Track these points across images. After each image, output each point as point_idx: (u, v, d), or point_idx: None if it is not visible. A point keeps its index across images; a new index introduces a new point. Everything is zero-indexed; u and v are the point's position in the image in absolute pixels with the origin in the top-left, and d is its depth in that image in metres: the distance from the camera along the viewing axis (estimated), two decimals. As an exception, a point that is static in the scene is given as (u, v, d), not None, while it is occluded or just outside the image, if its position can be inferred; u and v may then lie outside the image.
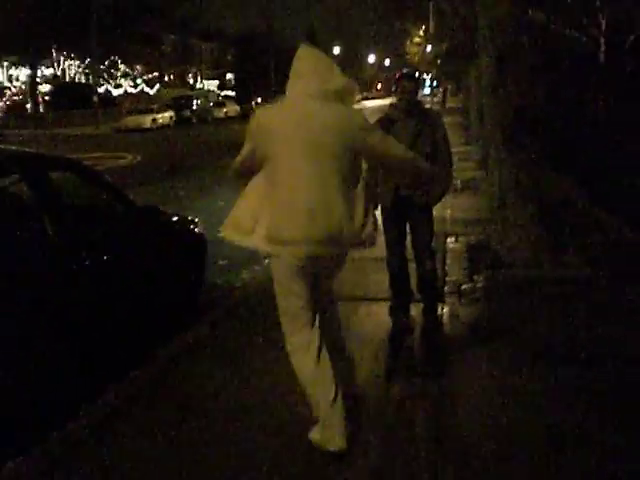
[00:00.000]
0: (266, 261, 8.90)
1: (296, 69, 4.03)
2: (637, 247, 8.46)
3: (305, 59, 4.04)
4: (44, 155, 5.99)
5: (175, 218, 7.17)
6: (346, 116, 3.95)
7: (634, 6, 18.63)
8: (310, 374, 3.97)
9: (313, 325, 4.03)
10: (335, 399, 3.93)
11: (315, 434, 4.07)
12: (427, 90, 68.98)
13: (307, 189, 3.78)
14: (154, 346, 5.82)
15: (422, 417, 4.50)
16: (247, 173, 4.11)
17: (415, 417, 4.50)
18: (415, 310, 6.40)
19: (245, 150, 4.06)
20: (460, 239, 9.51)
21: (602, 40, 20.75)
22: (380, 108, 27.94)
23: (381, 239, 6.29)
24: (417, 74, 7.12)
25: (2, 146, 6.40)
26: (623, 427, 4.27)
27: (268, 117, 3.98)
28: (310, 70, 3.97)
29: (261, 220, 3.88)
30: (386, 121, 6.03)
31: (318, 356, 3.97)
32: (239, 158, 4.11)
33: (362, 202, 3.98)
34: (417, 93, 6.15)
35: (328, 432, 3.96)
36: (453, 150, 6.28)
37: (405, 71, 6.23)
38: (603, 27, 20.55)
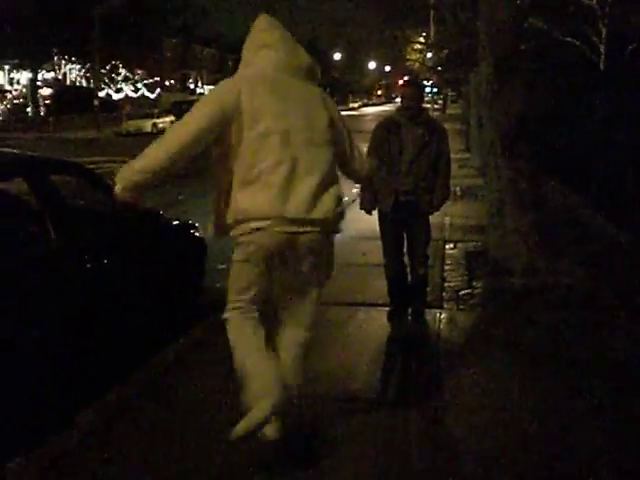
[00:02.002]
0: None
1: (262, 39, 3.80)
2: (635, 255, 8.49)
3: (271, 30, 3.84)
4: (46, 158, 6.03)
5: (175, 222, 7.20)
6: (327, 99, 3.89)
7: (634, 14, 18.69)
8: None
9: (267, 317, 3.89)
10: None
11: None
12: (427, 97, 69.05)
13: (300, 171, 3.58)
14: (154, 349, 5.84)
15: (416, 423, 4.53)
16: (188, 155, 3.64)
17: (409, 424, 4.52)
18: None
19: (202, 121, 3.56)
20: (459, 246, 9.56)
21: (602, 48, 20.81)
22: (381, 114, 27.93)
23: (379, 244, 6.35)
24: (420, 81, 7.18)
25: (4, 149, 6.44)
26: (625, 433, 4.31)
27: (248, 93, 3.59)
28: (279, 41, 3.80)
29: (239, 203, 3.60)
30: (392, 124, 6.08)
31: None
32: (171, 145, 3.58)
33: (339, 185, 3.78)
34: (422, 100, 6.20)
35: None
36: (453, 157, 6.35)
37: (408, 78, 6.29)
38: (603, 35, 20.61)
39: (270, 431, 3.70)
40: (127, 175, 3.66)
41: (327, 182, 3.68)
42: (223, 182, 3.77)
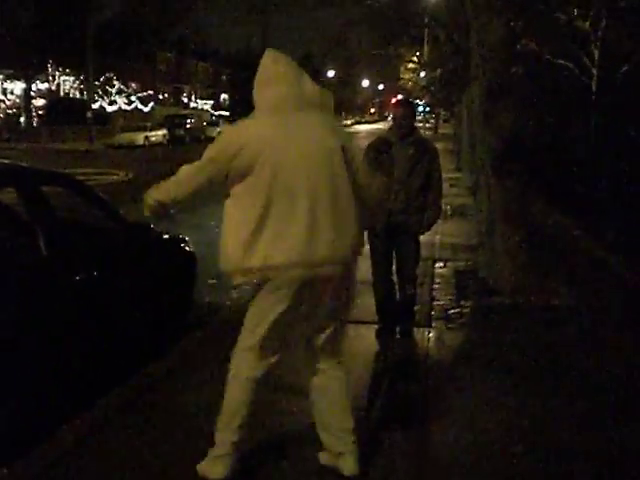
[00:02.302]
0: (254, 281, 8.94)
1: (268, 75, 3.78)
2: (623, 276, 8.53)
3: (275, 65, 3.79)
4: (37, 169, 6.02)
5: (166, 236, 7.20)
6: (339, 130, 3.86)
7: (627, 37, 18.82)
8: None
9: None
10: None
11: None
12: (420, 116, 69.29)
13: (312, 209, 3.55)
14: (141, 362, 5.83)
15: (401, 441, 4.53)
16: (198, 196, 3.83)
17: (394, 442, 4.51)
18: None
19: (209, 171, 3.72)
20: (448, 264, 9.58)
21: (594, 71, 20.92)
22: (373, 132, 27.99)
23: (368, 263, 6.36)
24: (412, 101, 7.22)
25: (-4, 159, 6.44)
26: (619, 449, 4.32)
27: (251, 135, 3.64)
28: (284, 76, 3.75)
29: (255, 246, 3.57)
30: (383, 143, 6.13)
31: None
32: (199, 180, 3.75)
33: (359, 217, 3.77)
34: (413, 119, 6.23)
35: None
36: (444, 176, 6.39)
37: (401, 97, 6.35)
38: (596, 57, 20.73)
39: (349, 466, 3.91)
40: (157, 197, 3.88)
41: (348, 215, 3.68)
42: (238, 219, 3.69)
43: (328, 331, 3.90)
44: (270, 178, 3.54)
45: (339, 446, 3.93)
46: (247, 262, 3.59)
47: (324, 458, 4.05)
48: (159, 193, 3.86)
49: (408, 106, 6.20)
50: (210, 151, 3.73)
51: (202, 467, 3.93)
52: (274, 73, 3.77)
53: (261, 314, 3.77)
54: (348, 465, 3.91)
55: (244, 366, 3.88)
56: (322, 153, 3.64)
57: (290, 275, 3.58)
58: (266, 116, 3.71)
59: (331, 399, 3.95)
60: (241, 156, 3.57)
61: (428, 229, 6.28)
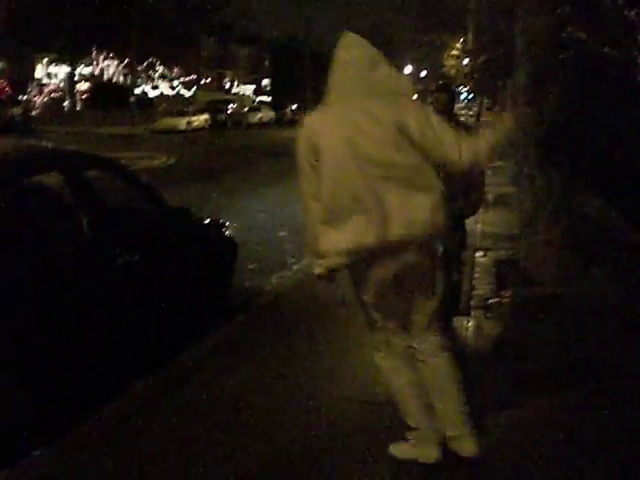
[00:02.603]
0: (294, 267, 8.98)
1: (341, 60, 3.73)
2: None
3: (349, 50, 3.74)
4: (81, 153, 6.09)
5: (206, 220, 7.24)
6: (404, 108, 3.67)
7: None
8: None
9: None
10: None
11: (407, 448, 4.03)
12: (462, 103, 68.74)
13: (367, 192, 3.53)
14: (181, 346, 5.88)
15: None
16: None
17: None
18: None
19: (304, 177, 3.73)
20: (489, 254, 9.51)
21: (641, 60, 20.60)
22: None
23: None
24: (452, 86, 7.17)
25: (41, 143, 6.52)
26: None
27: (314, 128, 3.69)
28: (356, 61, 3.70)
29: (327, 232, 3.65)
30: None
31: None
32: (306, 189, 3.74)
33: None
34: (452, 106, 6.19)
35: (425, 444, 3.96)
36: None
37: (440, 83, 6.29)
38: (642, 47, 20.40)
39: (433, 454, 3.94)
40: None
41: (418, 191, 3.59)
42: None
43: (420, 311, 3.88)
44: (328, 168, 3.59)
45: (454, 430, 3.92)
46: (322, 246, 3.68)
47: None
48: (310, 250, 3.88)
49: (446, 92, 6.15)
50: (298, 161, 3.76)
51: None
52: (348, 57, 3.73)
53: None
54: (467, 447, 3.93)
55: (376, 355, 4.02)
56: (375, 137, 3.57)
57: (359, 257, 3.61)
58: (329, 103, 3.73)
59: (435, 383, 3.91)
60: (309, 151, 3.63)
61: (473, 214, 6.21)
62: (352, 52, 3.74)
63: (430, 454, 3.94)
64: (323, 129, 3.65)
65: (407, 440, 4.03)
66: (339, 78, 3.73)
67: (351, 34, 3.83)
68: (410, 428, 3.99)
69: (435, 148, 3.62)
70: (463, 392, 3.94)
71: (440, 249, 3.90)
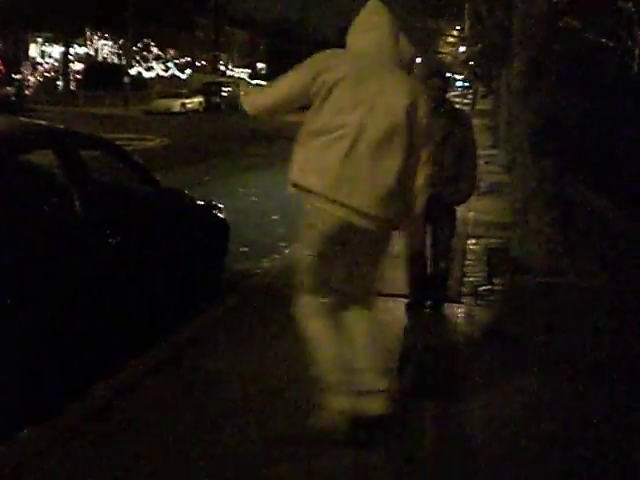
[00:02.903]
0: (285, 251, 8.99)
1: (368, 22, 3.81)
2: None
3: (378, 14, 3.82)
4: (75, 132, 6.07)
5: (199, 202, 7.24)
6: (418, 99, 3.75)
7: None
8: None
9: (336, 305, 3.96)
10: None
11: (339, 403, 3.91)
12: (458, 91, 68.65)
13: (357, 155, 3.60)
14: (172, 326, 5.89)
15: (428, 415, 4.55)
16: (272, 112, 3.94)
17: (422, 415, 4.54)
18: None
19: (290, 86, 3.79)
20: (481, 241, 9.54)
21: (637, 52, 20.60)
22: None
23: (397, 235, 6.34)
24: (447, 73, 7.18)
25: (35, 121, 6.50)
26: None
27: (334, 63, 3.70)
28: (384, 25, 3.79)
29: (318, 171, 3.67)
30: None
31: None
32: (275, 94, 3.84)
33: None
34: (446, 91, 6.20)
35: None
36: (480, 153, 6.33)
37: (435, 68, 6.29)
38: (639, 39, 20.40)
39: (375, 406, 3.87)
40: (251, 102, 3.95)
41: (394, 177, 3.69)
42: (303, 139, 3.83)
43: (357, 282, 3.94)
44: (328, 110, 3.64)
45: (362, 386, 3.87)
46: (294, 178, 3.75)
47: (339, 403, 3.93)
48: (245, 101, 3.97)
49: (439, 77, 6.15)
50: (294, 71, 3.82)
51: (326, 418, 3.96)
52: (376, 20, 3.80)
53: (305, 251, 3.92)
54: (374, 405, 3.86)
55: (306, 307, 3.98)
56: (387, 106, 3.64)
57: (327, 211, 3.65)
58: (351, 54, 3.80)
59: (352, 339, 3.95)
60: (318, 79, 3.66)
61: (464, 201, 6.24)
62: (381, 16, 3.81)
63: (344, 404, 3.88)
64: (341, 73, 3.65)
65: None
66: (365, 39, 3.78)
67: (379, 2, 3.91)
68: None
69: (414, 153, 3.82)
70: (379, 349, 4.00)
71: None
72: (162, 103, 46.64)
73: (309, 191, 3.69)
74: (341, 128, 3.61)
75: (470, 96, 60.12)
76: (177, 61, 67.25)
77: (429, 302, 6.50)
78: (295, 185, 3.75)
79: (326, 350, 3.90)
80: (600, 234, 9.47)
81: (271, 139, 25.39)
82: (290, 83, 3.78)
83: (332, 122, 3.63)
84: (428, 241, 6.34)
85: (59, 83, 54.01)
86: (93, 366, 4.93)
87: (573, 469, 3.93)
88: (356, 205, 3.62)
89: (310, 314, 3.94)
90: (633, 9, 19.22)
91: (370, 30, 3.78)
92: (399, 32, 3.87)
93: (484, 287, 7.41)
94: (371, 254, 3.90)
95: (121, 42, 55.77)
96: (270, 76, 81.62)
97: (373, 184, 3.63)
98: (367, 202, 3.63)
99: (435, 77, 6.09)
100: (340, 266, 3.93)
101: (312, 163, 3.67)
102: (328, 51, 3.86)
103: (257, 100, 3.95)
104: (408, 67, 3.92)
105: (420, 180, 3.89)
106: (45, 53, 55.17)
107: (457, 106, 6.74)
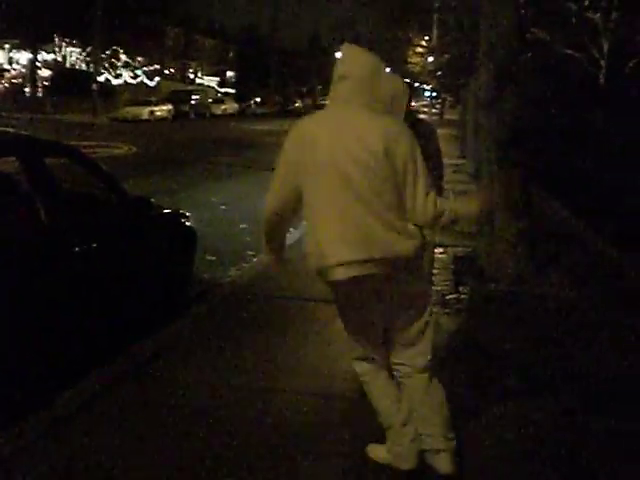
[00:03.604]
0: (253, 260, 8.97)
1: (340, 70, 3.60)
2: (622, 268, 8.54)
3: (348, 60, 3.63)
4: (41, 139, 6.01)
5: (166, 210, 7.20)
6: (395, 134, 3.50)
7: (636, 30, 18.75)
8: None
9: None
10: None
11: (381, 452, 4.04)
12: (426, 101, 69.03)
13: (342, 219, 3.40)
14: (138, 336, 5.84)
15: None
16: (284, 213, 3.73)
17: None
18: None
19: (278, 191, 3.66)
20: (447, 250, 9.58)
21: (603, 63, 20.86)
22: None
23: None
24: (414, 84, 7.20)
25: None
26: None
27: (303, 131, 3.59)
28: (355, 72, 3.56)
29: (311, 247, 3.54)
30: None
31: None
32: (271, 202, 3.70)
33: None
34: (410, 101, 6.21)
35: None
36: (448, 162, 6.35)
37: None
38: (605, 50, 20.65)
39: (407, 464, 3.90)
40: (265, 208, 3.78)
41: (384, 216, 3.46)
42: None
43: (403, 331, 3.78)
44: (304, 175, 3.52)
45: (433, 444, 3.85)
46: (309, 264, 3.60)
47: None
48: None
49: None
50: (276, 169, 3.69)
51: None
52: (346, 68, 3.60)
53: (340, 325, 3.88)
54: (444, 464, 3.85)
55: (362, 375, 3.96)
56: (359, 153, 3.43)
57: (334, 277, 3.48)
58: (328, 108, 3.69)
59: (417, 398, 3.87)
60: (296, 167, 3.56)
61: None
62: (353, 65, 3.62)
63: (403, 463, 3.91)
64: (318, 132, 3.52)
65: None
66: (340, 89, 3.61)
67: (351, 46, 3.74)
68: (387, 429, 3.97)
69: (407, 191, 3.55)
70: (446, 407, 3.90)
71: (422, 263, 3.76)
72: (130, 111, 46.48)
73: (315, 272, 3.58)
74: (316, 191, 3.48)
75: (438, 106, 60.47)
76: (146, 69, 66.93)
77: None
78: (319, 274, 3.59)
79: (387, 408, 3.92)
80: (566, 243, 9.56)
81: (240, 147, 25.34)
82: (276, 188, 3.67)
83: (313, 189, 3.50)
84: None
85: (26, 90, 53.54)
86: (53, 379, 4.88)
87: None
88: (347, 258, 3.40)
89: (366, 381, 3.94)
90: (599, 20, 19.48)
91: (341, 79, 3.60)
92: (377, 71, 3.64)
93: (451, 295, 7.44)
94: (398, 298, 3.67)
95: (89, 49, 55.37)
96: (238, 84, 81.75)
97: (355, 230, 3.41)
98: (352, 249, 3.40)
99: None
100: (379, 323, 3.76)
101: (309, 244, 3.55)
102: (293, 132, 3.65)
103: (266, 206, 3.74)
104: (393, 104, 3.68)
105: (430, 206, 3.66)
106: (12, 59, 54.66)
107: (423, 116, 6.78)
